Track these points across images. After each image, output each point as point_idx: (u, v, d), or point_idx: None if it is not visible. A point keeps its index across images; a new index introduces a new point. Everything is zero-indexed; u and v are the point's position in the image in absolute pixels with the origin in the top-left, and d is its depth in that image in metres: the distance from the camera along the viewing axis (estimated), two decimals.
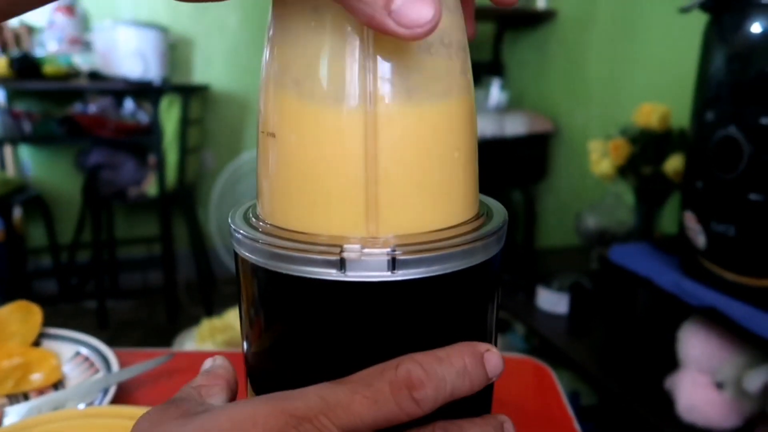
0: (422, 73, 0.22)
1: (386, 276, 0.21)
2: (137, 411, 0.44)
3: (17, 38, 2.27)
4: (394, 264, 0.21)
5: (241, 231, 0.23)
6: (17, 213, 2.24)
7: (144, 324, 2.30)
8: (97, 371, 0.54)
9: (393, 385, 0.20)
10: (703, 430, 0.95)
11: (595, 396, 1.36)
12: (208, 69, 2.55)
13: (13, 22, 2.27)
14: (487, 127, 1.86)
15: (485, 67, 2.18)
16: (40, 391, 0.53)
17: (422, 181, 0.22)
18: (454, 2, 0.23)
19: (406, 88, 0.22)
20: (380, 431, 0.20)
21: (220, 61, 2.55)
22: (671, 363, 1.02)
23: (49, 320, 0.60)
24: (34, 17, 2.31)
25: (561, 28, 1.94)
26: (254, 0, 2.43)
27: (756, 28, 0.80)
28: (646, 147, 1.25)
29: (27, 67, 2.07)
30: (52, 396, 0.49)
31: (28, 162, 2.47)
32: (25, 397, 0.53)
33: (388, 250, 0.21)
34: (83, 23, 2.35)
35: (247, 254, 0.23)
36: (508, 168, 1.96)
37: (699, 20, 0.91)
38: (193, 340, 1.62)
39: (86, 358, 0.56)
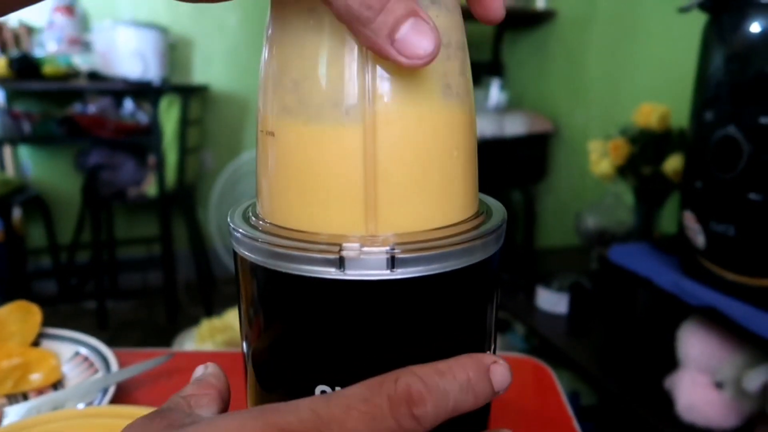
0: (421, 72, 0.22)
1: (385, 274, 0.21)
2: (136, 411, 0.44)
3: (17, 38, 2.27)
4: (393, 262, 0.21)
5: (241, 230, 0.23)
6: (17, 213, 2.24)
7: (144, 324, 2.30)
8: (96, 371, 0.54)
9: (392, 400, 0.19)
10: (703, 430, 0.95)
11: (595, 396, 1.36)
12: (208, 69, 2.55)
13: (13, 23, 2.27)
14: (487, 128, 1.86)
15: (485, 67, 2.18)
16: (40, 391, 0.53)
17: (421, 180, 0.22)
18: (453, 2, 0.23)
19: (405, 88, 0.22)
20: None
21: (220, 62, 2.56)
22: (671, 363, 1.02)
23: (49, 321, 0.60)
24: (34, 17, 2.31)
25: (561, 28, 1.94)
26: (254, 0, 2.43)
27: (755, 27, 0.80)
28: (646, 147, 1.25)
29: (26, 67, 2.08)
30: (52, 396, 0.49)
31: (27, 162, 2.47)
32: (25, 397, 0.53)
33: (387, 248, 0.21)
34: (83, 23, 2.35)
35: (246, 253, 0.23)
36: (508, 168, 1.96)
37: (698, 20, 0.91)
38: (192, 341, 1.62)
39: (85, 358, 0.56)
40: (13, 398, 0.52)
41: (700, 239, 0.90)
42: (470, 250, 0.22)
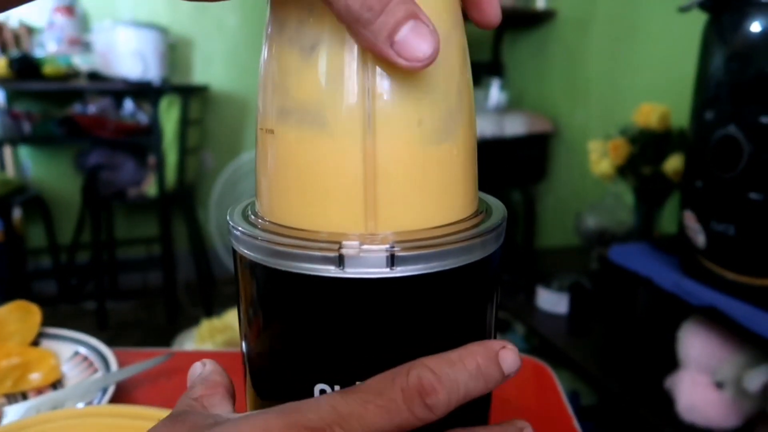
0: (421, 71, 0.22)
1: (385, 272, 0.21)
2: (136, 410, 0.44)
3: (17, 39, 2.27)
4: (392, 260, 0.21)
5: (240, 228, 0.23)
6: (17, 213, 2.24)
7: (143, 325, 2.30)
8: (95, 371, 0.54)
9: (405, 392, 0.19)
10: (703, 430, 0.95)
11: (595, 396, 1.36)
12: (208, 69, 2.55)
13: (13, 23, 2.27)
14: (487, 128, 1.86)
15: (485, 68, 2.18)
16: (39, 391, 0.53)
17: (421, 178, 0.22)
18: (453, 1, 0.23)
19: (404, 86, 0.22)
20: None
21: (220, 62, 2.56)
22: (671, 363, 1.02)
23: (49, 321, 0.60)
24: (34, 18, 2.31)
25: (560, 29, 1.94)
26: (254, 0, 2.43)
27: (755, 27, 0.80)
28: (646, 147, 1.25)
29: (26, 67, 2.08)
30: (51, 395, 0.49)
31: (27, 162, 2.47)
32: (24, 396, 0.53)
33: (387, 246, 0.21)
34: (83, 24, 2.35)
35: (245, 251, 0.23)
36: (508, 168, 1.96)
37: (698, 20, 0.91)
38: (192, 341, 1.63)
39: (85, 358, 0.56)
40: (12, 398, 0.52)
41: (700, 239, 0.90)
42: (470, 248, 0.22)
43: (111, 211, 2.35)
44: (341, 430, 0.19)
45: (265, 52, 0.24)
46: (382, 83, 0.21)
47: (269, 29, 0.23)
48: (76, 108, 2.26)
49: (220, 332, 1.54)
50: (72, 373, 0.55)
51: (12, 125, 2.12)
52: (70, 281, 2.47)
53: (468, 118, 0.24)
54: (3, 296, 2.01)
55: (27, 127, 2.14)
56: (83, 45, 2.29)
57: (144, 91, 2.22)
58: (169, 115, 2.14)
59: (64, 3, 2.26)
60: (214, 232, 2.49)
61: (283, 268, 0.21)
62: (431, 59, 0.20)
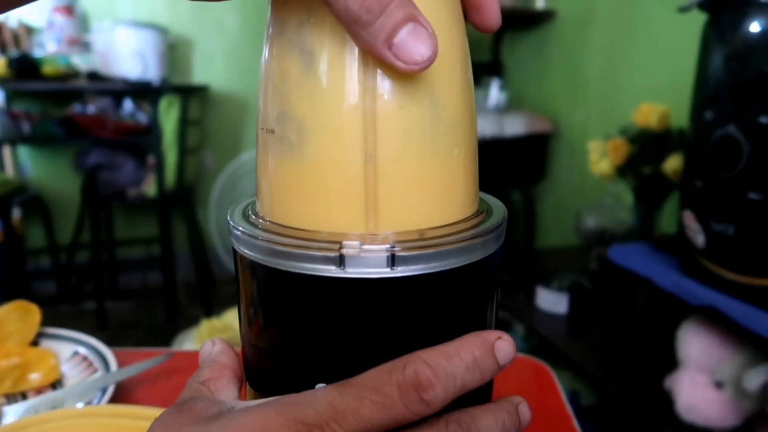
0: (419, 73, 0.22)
1: (385, 272, 0.21)
2: (135, 410, 0.44)
3: (16, 39, 2.26)
4: (393, 260, 0.21)
5: (240, 228, 0.23)
6: (16, 213, 2.23)
7: (143, 325, 2.30)
8: (95, 371, 0.54)
9: (401, 387, 0.20)
10: (703, 430, 0.95)
11: (595, 396, 1.36)
12: (208, 69, 2.55)
13: (13, 23, 2.27)
14: (487, 128, 1.86)
15: (485, 68, 2.18)
16: (39, 391, 0.53)
17: (421, 178, 0.22)
18: (454, 3, 0.23)
19: (405, 85, 0.22)
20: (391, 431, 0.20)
21: (220, 62, 2.55)
22: (671, 362, 1.02)
23: (49, 321, 0.60)
24: (34, 18, 2.31)
25: (560, 29, 1.94)
26: (254, 0, 2.43)
27: (755, 27, 0.80)
28: (646, 147, 1.25)
29: (26, 67, 2.07)
30: (51, 395, 0.49)
31: (27, 162, 2.46)
32: (24, 396, 0.53)
33: (388, 246, 0.21)
34: (82, 24, 2.35)
35: (246, 251, 0.23)
36: (508, 168, 1.96)
37: (698, 20, 0.91)
38: (192, 341, 1.62)
39: (84, 358, 0.56)
40: (12, 398, 0.52)
41: (699, 239, 0.90)
42: (470, 248, 0.22)
43: (110, 211, 2.35)
44: (337, 425, 0.19)
45: (266, 53, 0.24)
46: (383, 84, 0.21)
47: (270, 30, 0.23)
48: (76, 108, 2.26)
49: (220, 332, 1.53)
50: (71, 373, 0.55)
51: (11, 125, 2.12)
52: (69, 281, 2.47)
53: (469, 119, 0.24)
54: (2, 296, 2.01)
55: (26, 127, 2.14)
56: (83, 45, 2.29)
57: (144, 91, 2.22)
58: (169, 115, 2.14)
59: (64, 3, 2.26)
60: (213, 232, 2.49)
61: (284, 268, 0.21)
62: (429, 62, 0.20)
